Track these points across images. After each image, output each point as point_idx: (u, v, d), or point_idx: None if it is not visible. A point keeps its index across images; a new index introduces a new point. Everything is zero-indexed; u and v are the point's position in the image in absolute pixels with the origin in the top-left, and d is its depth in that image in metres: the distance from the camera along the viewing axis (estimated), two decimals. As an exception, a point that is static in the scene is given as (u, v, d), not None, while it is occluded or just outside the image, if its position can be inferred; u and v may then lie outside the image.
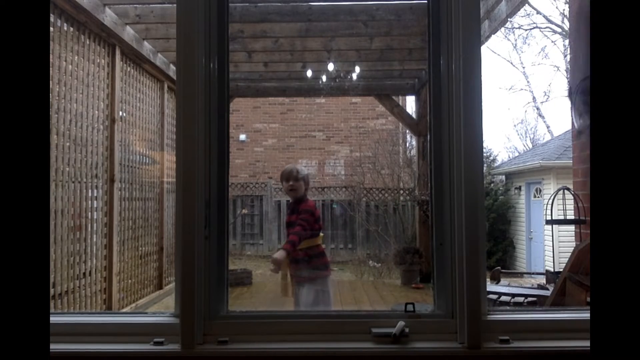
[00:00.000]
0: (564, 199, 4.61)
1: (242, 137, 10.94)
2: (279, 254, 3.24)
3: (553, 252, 7.08)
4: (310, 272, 3.46)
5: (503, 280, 5.81)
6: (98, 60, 4.61)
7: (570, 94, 2.90)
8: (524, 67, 20.62)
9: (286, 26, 4.99)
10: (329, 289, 3.55)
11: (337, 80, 6.68)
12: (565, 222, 4.58)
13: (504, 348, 1.34)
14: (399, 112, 7.33)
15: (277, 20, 4.90)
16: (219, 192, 1.47)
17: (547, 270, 6.49)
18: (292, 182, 3.42)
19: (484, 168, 1.49)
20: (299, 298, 3.45)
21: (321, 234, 3.61)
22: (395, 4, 4.78)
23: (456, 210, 1.41)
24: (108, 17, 4.33)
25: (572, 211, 3.69)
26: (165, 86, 6.26)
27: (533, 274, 7.68)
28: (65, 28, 4.05)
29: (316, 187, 9.63)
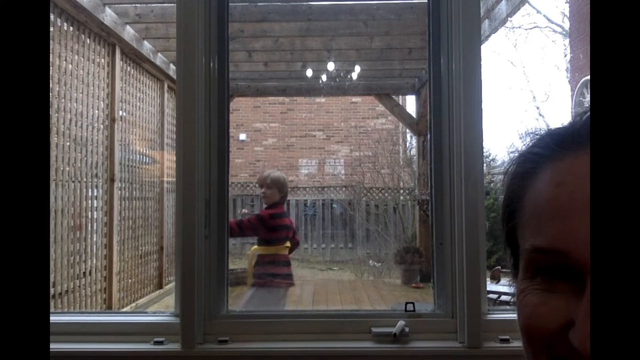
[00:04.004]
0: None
1: (242, 136, 10.93)
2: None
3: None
4: (271, 278, 3.39)
5: (503, 280, 5.81)
6: (98, 60, 4.60)
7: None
8: (524, 67, 20.61)
9: (286, 25, 4.98)
10: (286, 300, 3.44)
11: (337, 80, 6.68)
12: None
13: (504, 348, 1.34)
14: (399, 111, 7.33)
15: (277, 20, 4.89)
16: (219, 192, 1.47)
17: (547, 270, 6.48)
18: (264, 189, 3.37)
19: (484, 167, 1.49)
20: (250, 299, 3.37)
21: (287, 244, 3.51)
22: (395, 3, 4.78)
23: (456, 210, 1.41)
24: (108, 16, 4.32)
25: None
26: (166, 86, 6.26)
27: (533, 273, 7.67)
28: (66, 27, 4.05)
29: (316, 187, 9.62)
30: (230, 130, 1.54)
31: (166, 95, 6.30)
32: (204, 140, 1.44)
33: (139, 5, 4.62)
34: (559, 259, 0.38)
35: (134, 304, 5.25)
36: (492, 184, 10.97)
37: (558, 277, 0.39)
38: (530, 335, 0.40)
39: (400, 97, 8.28)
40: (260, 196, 3.42)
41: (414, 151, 8.76)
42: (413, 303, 1.43)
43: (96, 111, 4.60)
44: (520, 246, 0.43)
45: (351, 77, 6.46)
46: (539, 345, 0.40)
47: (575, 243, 0.37)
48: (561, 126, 0.44)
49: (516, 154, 0.46)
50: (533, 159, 0.43)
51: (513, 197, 0.45)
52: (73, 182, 4.18)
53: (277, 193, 3.40)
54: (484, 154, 1.68)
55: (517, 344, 1.35)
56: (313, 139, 10.88)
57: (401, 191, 8.85)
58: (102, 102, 4.71)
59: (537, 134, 0.45)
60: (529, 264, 0.41)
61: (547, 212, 0.39)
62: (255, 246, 3.48)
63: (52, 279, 3.80)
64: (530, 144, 0.45)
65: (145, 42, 5.20)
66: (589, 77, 0.59)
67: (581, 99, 6.93)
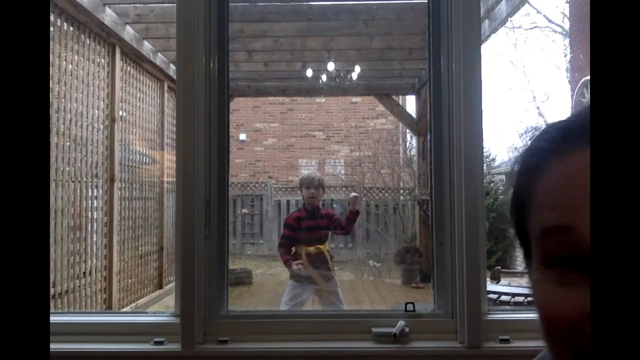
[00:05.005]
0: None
1: (242, 136, 10.93)
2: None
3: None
4: (329, 273, 3.67)
5: (503, 280, 5.81)
6: (98, 60, 4.60)
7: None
8: (524, 67, 20.61)
9: (286, 26, 4.98)
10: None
11: (337, 80, 6.67)
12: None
13: (504, 348, 1.34)
14: (399, 111, 7.32)
15: (277, 20, 4.89)
16: (219, 192, 1.47)
17: (547, 270, 6.47)
18: (313, 190, 3.52)
19: (484, 167, 1.49)
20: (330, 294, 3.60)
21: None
22: (395, 3, 4.78)
23: (456, 210, 1.41)
24: (108, 16, 4.32)
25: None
26: (166, 86, 6.25)
27: (533, 273, 7.66)
28: (66, 27, 4.05)
29: (316, 187, 9.60)
30: (230, 130, 1.54)
31: (166, 95, 6.30)
32: (204, 140, 1.44)
33: (139, 5, 4.62)
34: (566, 237, 0.39)
35: (134, 304, 5.25)
36: (492, 184, 10.96)
37: (573, 268, 0.39)
38: (549, 326, 0.41)
39: (400, 97, 8.28)
40: (308, 197, 3.55)
41: (414, 151, 8.76)
42: (413, 303, 1.43)
43: (96, 111, 4.60)
44: (531, 238, 0.44)
45: (351, 77, 6.46)
46: (558, 335, 0.40)
47: (582, 219, 0.37)
48: (566, 119, 0.45)
49: (523, 149, 0.47)
50: (539, 153, 0.44)
51: (522, 191, 0.46)
52: (73, 182, 4.18)
53: (322, 193, 3.63)
54: (484, 154, 1.69)
55: (518, 344, 1.35)
56: (313, 139, 10.87)
57: (401, 191, 8.85)
58: (102, 102, 4.71)
59: (541, 129, 0.46)
60: (542, 254, 0.42)
61: (556, 201, 0.40)
62: (308, 247, 3.58)
63: (52, 279, 3.80)
64: (536, 137, 0.46)
65: (145, 42, 5.20)
66: (589, 77, 0.59)
67: (581, 99, 6.94)
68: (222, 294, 1.47)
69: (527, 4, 9.42)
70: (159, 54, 5.61)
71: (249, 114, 10.94)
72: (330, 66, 6.05)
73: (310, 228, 3.56)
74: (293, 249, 3.59)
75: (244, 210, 9.20)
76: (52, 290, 3.79)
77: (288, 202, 9.06)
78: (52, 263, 3.81)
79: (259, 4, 4.69)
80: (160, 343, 1.36)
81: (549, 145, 0.43)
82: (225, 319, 1.44)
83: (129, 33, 4.78)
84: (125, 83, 5.18)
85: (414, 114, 7.16)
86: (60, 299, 3.92)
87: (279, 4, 4.76)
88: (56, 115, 3.92)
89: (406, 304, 1.43)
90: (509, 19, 4.52)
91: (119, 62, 4.92)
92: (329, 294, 3.56)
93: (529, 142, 0.47)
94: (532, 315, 1.45)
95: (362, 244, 8.72)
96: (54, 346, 1.14)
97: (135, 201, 5.44)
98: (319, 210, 3.62)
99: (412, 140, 9.50)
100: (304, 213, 3.61)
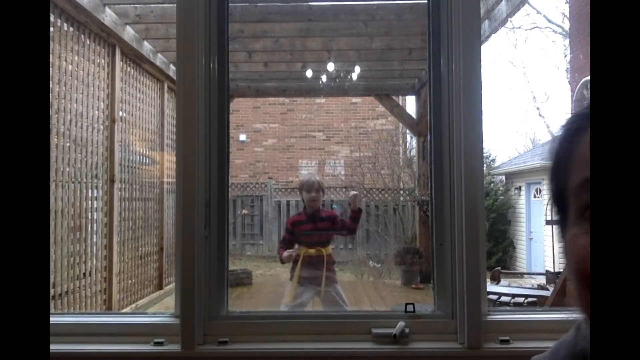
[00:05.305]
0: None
1: (242, 137, 10.93)
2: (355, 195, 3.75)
3: (553, 252, 7.09)
4: (332, 274, 3.62)
5: (503, 281, 5.81)
6: (98, 60, 4.60)
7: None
8: (524, 67, 20.62)
9: (286, 26, 4.98)
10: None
11: (337, 80, 6.68)
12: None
13: (504, 348, 1.34)
14: (399, 112, 7.32)
15: (277, 20, 4.89)
16: (219, 192, 1.47)
17: (547, 271, 6.50)
18: (313, 194, 3.50)
19: (484, 168, 1.49)
20: (331, 296, 3.55)
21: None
22: (395, 3, 4.78)
23: (456, 210, 1.41)
24: (108, 17, 4.32)
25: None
26: (165, 86, 6.25)
27: (533, 274, 7.69)
28: (66, 28, 4.05)
29: (316, 188, 9.60)
30: (230, 131, 1.54)
31: (166, 95, 6.30)
32: (204, 141, 1.44)
33: (139, 5, 4.62)
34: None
35: (134, 305, 5.24)
36: (492, 185, 10.97)
37: None
38: (584, 277, 0.42)
39: (400, 97, 8.28)
40: (309, 200, 3.53)
41: (414, 152, 8.76)
42: (413, 304, 1.43)
43: (96, 112, 4.60)
44: (570, 196, 0.46)
45: (351, 77, 6.47)
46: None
47: None
48: None
49: (567, 118, 0.51)
50: (582, 119, 0.47)
51: (564, 153, 0.49)
52: (73, 182, 4.18)
53: (322, 196, 3.60)
54: (484, 154, 1.69)
55: (518, 344, 1.35)
56: (313, 139, 10.88)
57: (401, 192, 8.85)
58: (102, 103, 4.71)
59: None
60: (580, 205, 0.44)
61: None
62: (307, 249, 3.57)
63: (52, 280, 3.80)
64: (579, 109, 0.49)
65: (145, 43, 5.20)
66: (589, 77, 0.60)
67: (581, 99, 6.94)
68: (222, 294, 1.47)
69: (527, 5, 9.43)
70: (159, 55, 5.61)
71: (249, 115, 10.94)
72: (330, 67, 6.05)
73: (309, 232, 3.55)
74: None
75: (244, 210, 9.20)
76: (52, 291, 3.79)
77: (288, 202, 9.06)
78: (52, 264, 3.81)
79: (259, 4, 4.69)
80: (160, 344, 1.36)
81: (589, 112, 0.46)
82: (225, 319, 1.44)
83: (129, 33, 4.78)
84: (125, 84, 5.18)
85: (414, 115, 7.16)
86: (60, 300, 3.92)
87: (279, 4, 4.77)
88: (56, 115, 3.92)
89: (406, 304, 1.43)
90: (509, 19, 4.53)
91: (119, 63, 4.92)
92: (328, 296, 3.56)
93: (571, 113, 0.50)
94: (532, 316, 1.45)
95: (362, 245, 8.71)
96: (54, 347, 1.14)
97: (135, 202, 5.44)
98: (319, 213, 3.60)
99: (412, 141, 9.51)
100: (304, 217, 3.61)
